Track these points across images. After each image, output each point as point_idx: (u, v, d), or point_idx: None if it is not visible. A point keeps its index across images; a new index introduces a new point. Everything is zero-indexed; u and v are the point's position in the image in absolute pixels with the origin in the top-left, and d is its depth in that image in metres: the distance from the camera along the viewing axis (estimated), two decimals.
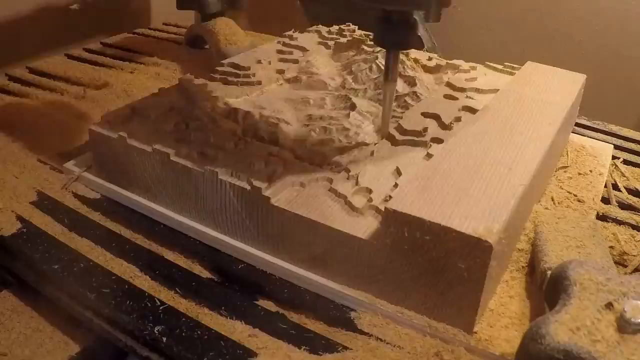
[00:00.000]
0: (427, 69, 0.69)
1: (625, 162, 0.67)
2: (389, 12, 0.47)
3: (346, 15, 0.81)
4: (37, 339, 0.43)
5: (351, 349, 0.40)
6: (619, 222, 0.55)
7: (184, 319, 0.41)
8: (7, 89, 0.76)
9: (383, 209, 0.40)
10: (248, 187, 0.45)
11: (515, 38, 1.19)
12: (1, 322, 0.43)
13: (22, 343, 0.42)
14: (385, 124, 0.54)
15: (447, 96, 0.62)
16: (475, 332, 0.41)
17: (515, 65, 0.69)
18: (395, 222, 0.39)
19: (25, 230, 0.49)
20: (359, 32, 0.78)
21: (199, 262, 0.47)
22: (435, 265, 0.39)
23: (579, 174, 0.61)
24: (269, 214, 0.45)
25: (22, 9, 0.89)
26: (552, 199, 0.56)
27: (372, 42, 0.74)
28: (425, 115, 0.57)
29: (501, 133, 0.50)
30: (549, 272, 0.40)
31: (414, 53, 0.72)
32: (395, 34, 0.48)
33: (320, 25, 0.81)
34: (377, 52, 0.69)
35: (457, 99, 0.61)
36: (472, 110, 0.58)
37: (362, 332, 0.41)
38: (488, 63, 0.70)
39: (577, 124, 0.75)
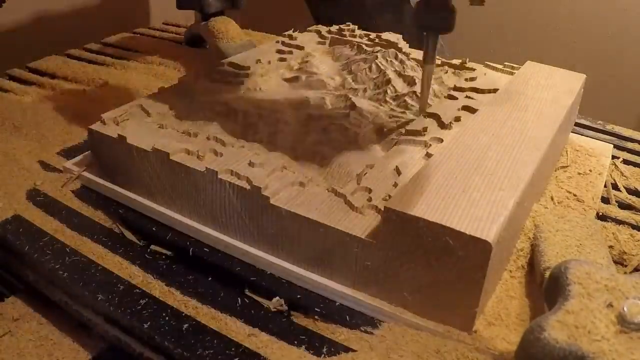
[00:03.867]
0: None
1: (625, 162, 0.67)
2: None
3: (353, 16, 0.81)
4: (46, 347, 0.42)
5: (351, 349, 0.40)
6: (619, 222, 0.55)
7: (183, 318, 0.41)
8: (7, 88, 0.76)
9: (382, 209, 0.40)
10: (248, 187, 0.45)
11: (515, 38, 1.20)
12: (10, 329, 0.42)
13: (30, 351, 0.41)
14: (424, 101, 0.57)
15: (446, 96, 0.62)
16: (475, 331, 0.41)
17: (515, 65, 0.69)
18: (394, 221, 0.39)
19: (23, 228, 0.49)
20: (358, 32, 0.78)
21: (199, 261, 0.47)
22: (435, 265, 0.39)
23: (579, 173, 0.61)
24: (269, 213, 0.45)
25: (23, 8, 0.89)
26: (552, 199, 0.56)
27: (370, 42, 0.74)
28: (425, 115, 0.57)
29: (500, 133, 0.50)
30: (548, 272, 0.40)
31: (414, 53, 0.72)
32: (435, 18, 0.50)
33: (319, 25, 0.81)
34: (377, 52, 0.69)
35: (456, 98, 0.61)
36: (472, 110, 0.58)
37: (362, 332, 0.41)
38: (488, 63, 0.70)
39: (577, 124, 0.75)
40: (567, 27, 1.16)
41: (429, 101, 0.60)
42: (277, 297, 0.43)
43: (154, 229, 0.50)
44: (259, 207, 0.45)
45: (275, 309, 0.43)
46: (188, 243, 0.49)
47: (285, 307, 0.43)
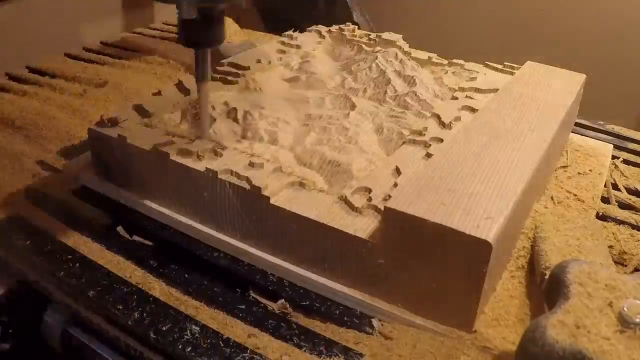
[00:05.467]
0: (425, 67, 0.69)
1: (625, 161, 0.67)
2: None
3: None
4: None
5: (351, 349, 0.40)
6: (619, 222, 0.55)
7: (183, 318, 0.41)
8: (6, 88, 0.76)
9: (382, 209, 0.40)
10: (248, 187, 0.45)
11: (515, 38, 1.19)
12: None
13: None
14: (204, 124, 0.52)
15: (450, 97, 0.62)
16: (475, 331, 0.41)
17: (515, 65, 0.69)
18: (394, 221, 0.39)
19: (21, 227, 0.49)
20: (358, 32, 0.78)
21: (199, 261, 0.47)
22: (435, 265, 0.39)
23: (579, 173, 0.61)
24: (269, 213, 0.45)
25: (23, 8, 0.89)
26: (552, 199, 0.56)
27: (370, 42, 0.74)
28: (425, 115, 0.57)
29: (501, 132, 0.50)
30: (548, 272, 0.40)
31: (414, 52, 0.72)
32: (200, 33, 0.47)
33: (320, 25, 0.81)
34: (377, 52, 0.69)
35: (456, 98, 0.61)
36: (472, 110, 0.58)
37: (361, 332, 0.41)
38: (488, 63, 0.70)
39: (577, 124, 0.75)
40: (567, 27, 1.16)
41: (430, 102, 0.60)
42: (282, 300, 0.43)
43: (153, 228, 0.50)
44: (259, 208, 0.45)
45: (280, 312, 0.43)
46: (188, 243, 0.49)
47: (290, 310, 0.43)
